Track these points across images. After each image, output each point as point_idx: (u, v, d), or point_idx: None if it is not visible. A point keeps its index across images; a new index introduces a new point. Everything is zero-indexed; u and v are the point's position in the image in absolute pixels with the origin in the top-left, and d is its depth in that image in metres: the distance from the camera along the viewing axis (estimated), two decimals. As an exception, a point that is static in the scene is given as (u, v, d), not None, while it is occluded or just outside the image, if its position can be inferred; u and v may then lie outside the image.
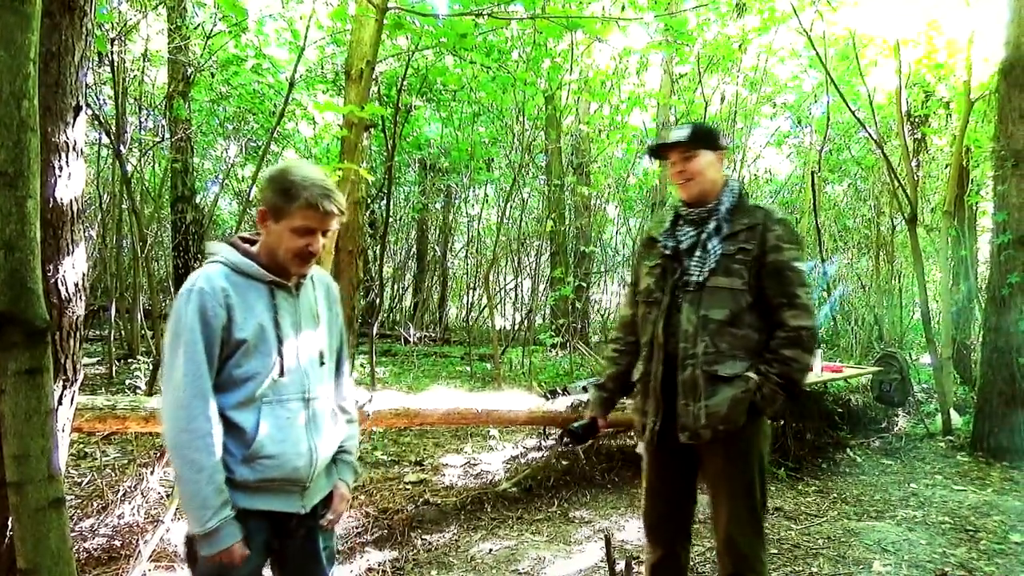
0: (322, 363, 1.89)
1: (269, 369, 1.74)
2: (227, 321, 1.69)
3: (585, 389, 5.23)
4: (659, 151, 2.48)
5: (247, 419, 1.71)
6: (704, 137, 2.39)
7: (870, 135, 7.68)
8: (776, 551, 3.76)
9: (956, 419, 6.62)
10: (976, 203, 9.83)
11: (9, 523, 2.25)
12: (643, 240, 2.62)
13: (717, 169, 2.41)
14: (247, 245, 1.83)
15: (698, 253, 2.34)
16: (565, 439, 2.80)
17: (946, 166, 10.26)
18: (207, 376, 1.66)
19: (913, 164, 7.79)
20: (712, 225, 2.35)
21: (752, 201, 2.43)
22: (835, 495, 4.82)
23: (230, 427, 1.71)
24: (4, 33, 1.67)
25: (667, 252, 2.42)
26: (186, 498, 1.64)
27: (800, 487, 4.98)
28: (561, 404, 4.85)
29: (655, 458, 2.51)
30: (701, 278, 2.30)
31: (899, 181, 6.97)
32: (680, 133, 2.39)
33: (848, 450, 5.85)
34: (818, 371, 5.70)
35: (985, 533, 4.08)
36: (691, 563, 3.50)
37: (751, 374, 2.26)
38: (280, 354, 1.75)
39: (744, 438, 2.32)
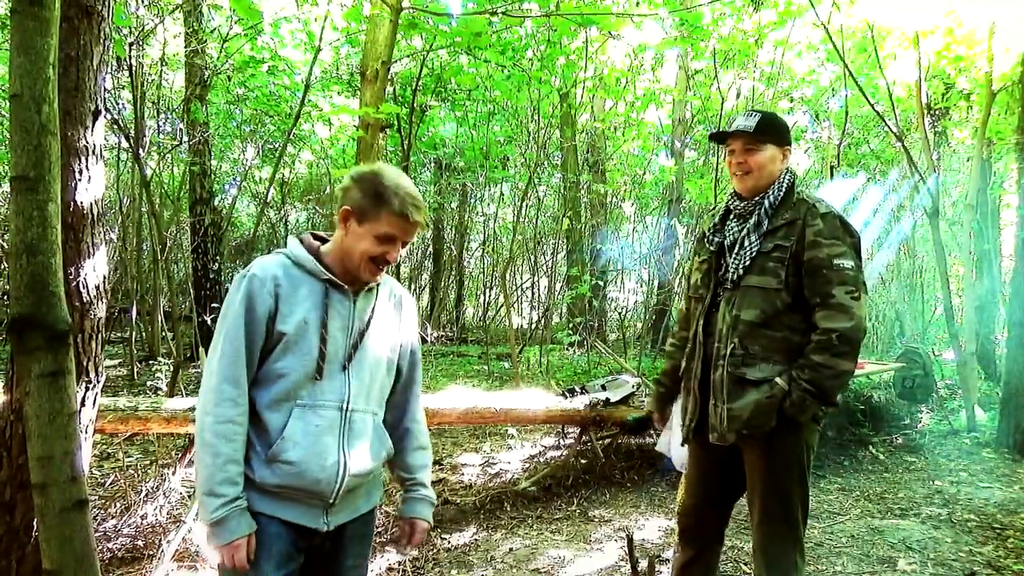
0: (374, 376, 1.78)
1: (307, 369, 1.65)
2: (273, 311, 1.63)
3: (604, 387, 5.22)
4: (722, 137, 2.36)
5: (276, 419, 1.63)
6: (772, 130, 2.28)
7: (890, 128, 7.57)
8: (799, 550, 3.72)
9: (981, 415, 6.53)
10: (999, 196, 9.68)
11: (34, 524, 2.28)
12: (699, 235, 2.56)
13: (779, 165, 2.29)
14: (317, 242, 1.77)
15: (737, 250, 2.27)
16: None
17: (968, 159, 10.11)
18: (243, 362, 1.60)
19: (934, 157, 7.68)
20: (753, 220, 2.27)
21: (801, 193, 2.30)
22: (858, 493, 4.76)
23: (259, 424, 1.64)
24: (23, 38, 1.68)
25: (712, 248, 2.37)
26: (199, 483, 1.57)
27: (823, 485, 4.92)
28: (579, 402, 4.84)
29: (695, 456, 2.50)
30: (736, 276, 2.25)
31: (920, 174, 6.88)
32: (748, 122, 2.26)
33: (871, 447, 5.78)
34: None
35: (1013, 531, 4.01)
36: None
37: (779, 380, 2.17)
38: (321, 355, 1.66)
39: (782, 443, 2.24)
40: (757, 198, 2.29)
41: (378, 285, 1.80)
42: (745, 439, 2.22)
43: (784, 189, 2.28)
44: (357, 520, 1.81)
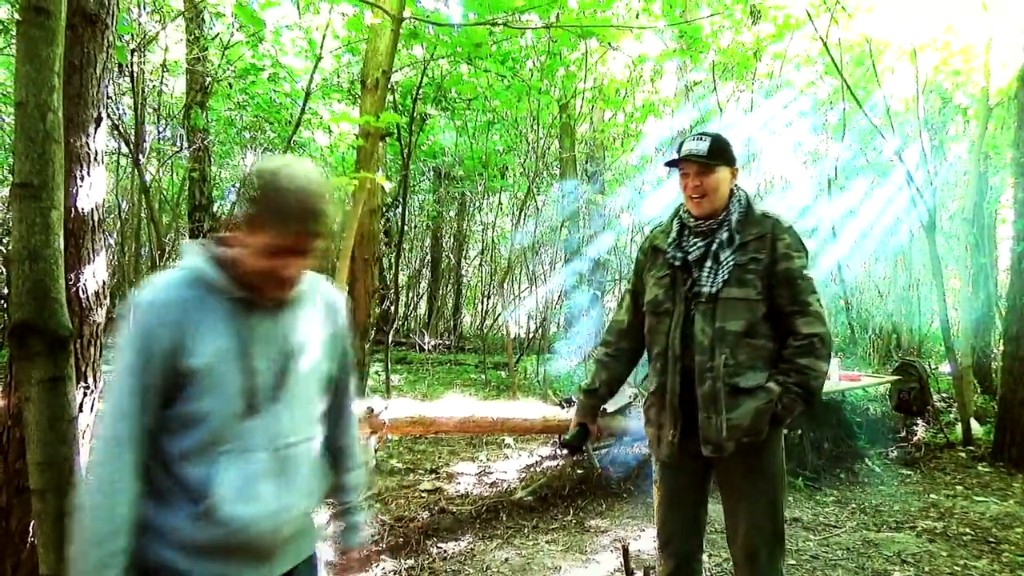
0: (310, 398, 1.54)
1: (231, 408, 1.38)
2: (175, 344, 1.33)
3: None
4: (675, 162, 2.37)
5: (198, 472, 1.36)
6: (722, 152, 2.32)
7: (887, 142, 7.61)
8: (794, 562, 3.72)
9: (976, 429, 6.54)
10: (995, 210, 9.73)
11: (30, 529, 2.28)
12: (646, 249, 2.54)
13: (729, 185, 2.35)
14: (225, 248, 1.44)
15: (708, 264, 2.29)
16: (562, 451, 2.69)
17: (964, 173, 10.16)
18: (134, 415, 1.32)
19: (931, 170, 7.72)
20: (724, 235, 2.30)
21: (759, 209, 2.37)
22: (854, 506, 4.77)
23: (177, 478, 1.37)
24: (29, 48, 1.70)
25: (676, 263, 2.36)
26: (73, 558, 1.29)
27: (818, 497, 4.93)
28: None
29: (672, 471, 2.47)
30: (714, 289, 2.26)
31: (917, 187, 6.91)
32: (699, 147, 2.29)
33: (866, 460, 5.78)
34: (836, 380, 5.65)
35: (1008, 545, 4.02)
36: (707, 574, 3.48)
37: (772, 385, 2.23)
38: (247, 390, 1.39)
39: (766, 449, 2.29)
40: (721, 216, 2.34)
41: (304, 292, 1.52)
42: (741, 447, 2.23)
43: (746, 205, 2.36)
44: (301, 565, 1.57)
